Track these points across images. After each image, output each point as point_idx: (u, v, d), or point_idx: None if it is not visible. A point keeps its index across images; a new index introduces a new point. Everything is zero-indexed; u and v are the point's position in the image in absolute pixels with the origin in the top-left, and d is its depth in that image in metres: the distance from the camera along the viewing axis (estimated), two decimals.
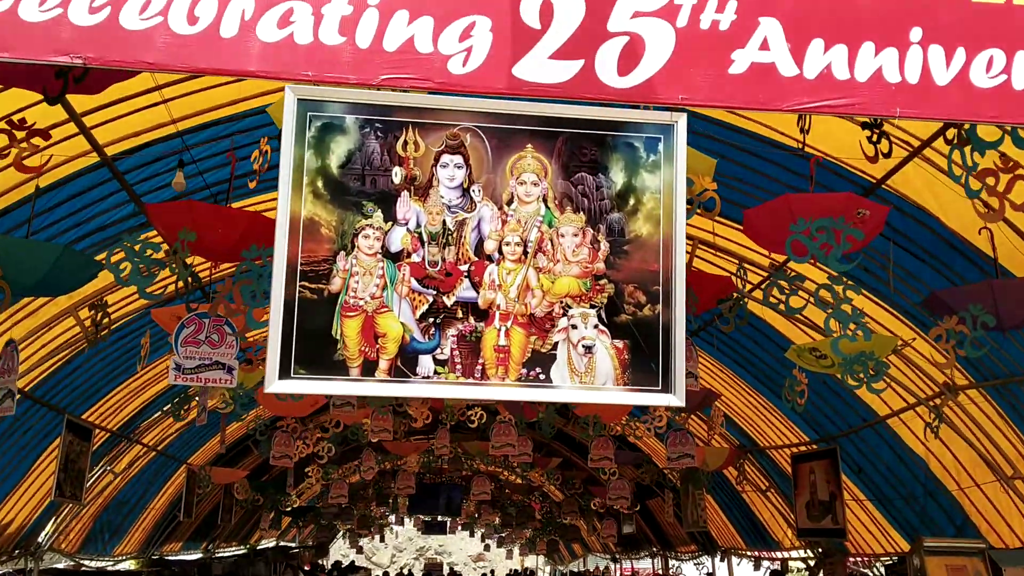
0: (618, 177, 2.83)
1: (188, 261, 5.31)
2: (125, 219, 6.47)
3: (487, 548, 34.38)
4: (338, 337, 2.68)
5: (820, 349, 6.20)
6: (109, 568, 13.20)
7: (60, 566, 11.95)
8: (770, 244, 5.71)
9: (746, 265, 7.46)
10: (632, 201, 2.82)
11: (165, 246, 4.85)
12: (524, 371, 2.73)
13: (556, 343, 2.75)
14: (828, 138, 5.99)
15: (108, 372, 9.20)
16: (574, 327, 2.75)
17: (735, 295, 7.35)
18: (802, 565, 12.30)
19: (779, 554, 13.03)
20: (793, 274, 6.05)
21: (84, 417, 9.29)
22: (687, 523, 13.60)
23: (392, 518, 30.44)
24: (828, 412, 9.37)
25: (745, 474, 11.61)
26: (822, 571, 10.74)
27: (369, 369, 2.69)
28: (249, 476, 15.19)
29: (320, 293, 2.67)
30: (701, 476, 11.96)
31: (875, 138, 5.17)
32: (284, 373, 2.63)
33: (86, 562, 12.26)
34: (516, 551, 34.22)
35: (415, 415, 12.94)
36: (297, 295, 2.65)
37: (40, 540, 10.65)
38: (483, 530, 31.25)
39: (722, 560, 15.12)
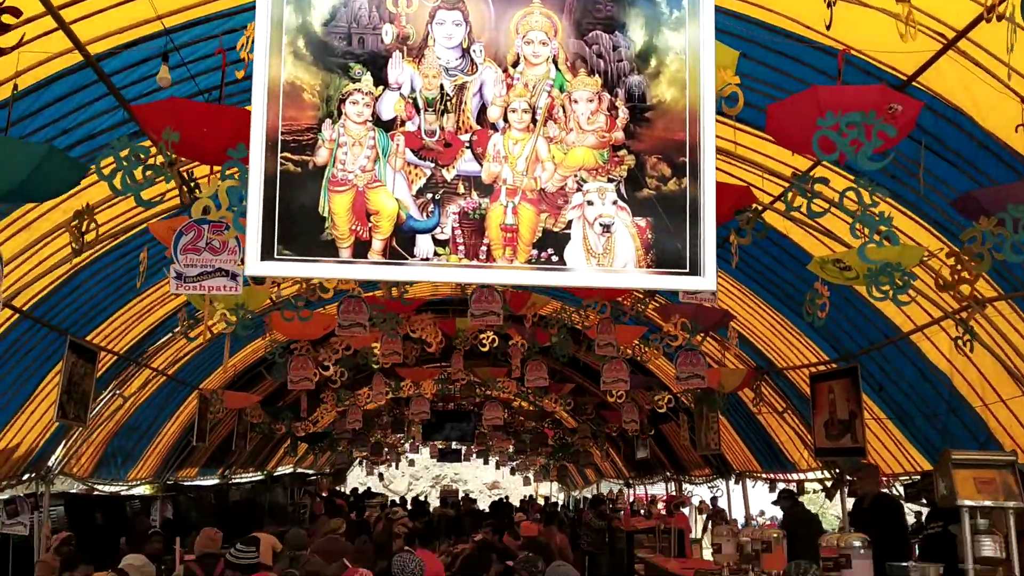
0: (638, 36, 2.51)
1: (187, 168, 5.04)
2: (115, 127, 6.16)
3: (501, 476, 34.75)
4: (326, 214, 2.40)
5: (844, 260, 5.91)
6: (124, 492, 13.24)
7: (73, 490, 11.95)
8: (795, 143, 5.38)
9: (767, 176, 7.14)
10: (654, 63, 2.50)
11: (156, 152, 4.56)
12: (534, 252, 2.45)
13: (570, 221, 2.47)
14: (855, 31, 5.59)
15: (111, 293, 8.99)
16: (590, 203, 2.47)
17: (754, 206, 7.04)
18: (818, 487, 12.14)
19: (795, 476, 12.92)
20: (816, 179, 5.72)
21: (89, 339, 9.12)
22: (700, 446, 13.51)
23: (407, 446, 30.71)
24: (849, 329, 9.10)
25: (762, 396, 11.42)
26: (849, 486, 10.52)
27: (361, 250, 2.42)
28: (262, 402, 15.14)
29: (304, 166, 2.39)
30: (717, 398, 11.78)
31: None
32: (266, 254, 2.37)
33: (99, 486, 12.26)
34: (531, 477, 34.54)
35: (429, 339, 12.78)
36: (279, 168, 2.37)
37: (50, 464, 10.61)
38: (497, 458, 31.50)
39: (737, 483, 15.06)
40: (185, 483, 16.05)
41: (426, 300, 12.66)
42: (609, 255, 2.46)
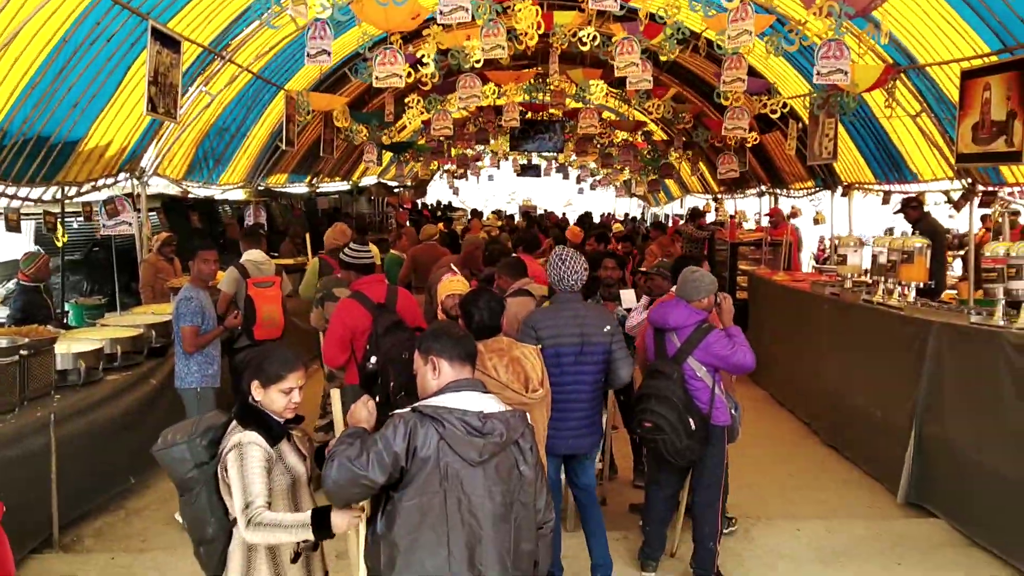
0: None
1: None
2: None
3: (580, 191, 34.43)
4: None
5: None
6: (217, 196, 13.17)
7: (170, 192, 11.88)
8: None
9: None
10: None
11: None
12: None
13: None
14: None
15: None
16: None
17: None
18: (942, 198, 11.34)
19: (914, 187, 12.09)
20: None
21: (170, 27, 8.46)
22: (813, 155, 12.57)
23: (487, 160, 30.34)
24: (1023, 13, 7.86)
25: (895, 96, 10.34)
26: (982, 197, 9.74)
27: None
28: (349, 106, 14.56)
29: None
30: (844, 100, 10.71)
31: None
32: None
33: (193, 189, 12.16)
34: (612, 194, 34.25)
35: (526, 30, 11.76)
36: None
37: (143, 165, 10.40)
38: (579, 172, 31.01)
39: (844, 195, 14.29)
40: (276, 189, 15.99)
41: None
42: None
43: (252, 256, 7.67)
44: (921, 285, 7.38)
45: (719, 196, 22.05)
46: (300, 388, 3.40)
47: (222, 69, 10.61)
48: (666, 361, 5.19)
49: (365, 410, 3.30)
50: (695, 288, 5.27)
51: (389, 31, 10.02)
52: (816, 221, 13.99)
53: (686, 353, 5.13)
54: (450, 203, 32.94)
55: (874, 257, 7.97)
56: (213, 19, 9.53)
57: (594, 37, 11.49)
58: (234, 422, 3.34)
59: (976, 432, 6.15)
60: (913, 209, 9.54)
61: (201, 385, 6.58)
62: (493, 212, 30.17)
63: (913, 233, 8.86)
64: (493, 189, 42.73)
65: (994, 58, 8.56)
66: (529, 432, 3.15)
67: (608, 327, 5.05)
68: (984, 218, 10.54)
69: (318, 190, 18.75)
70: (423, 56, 11.17)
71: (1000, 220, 10.33)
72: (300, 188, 17.74)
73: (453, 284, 5.67)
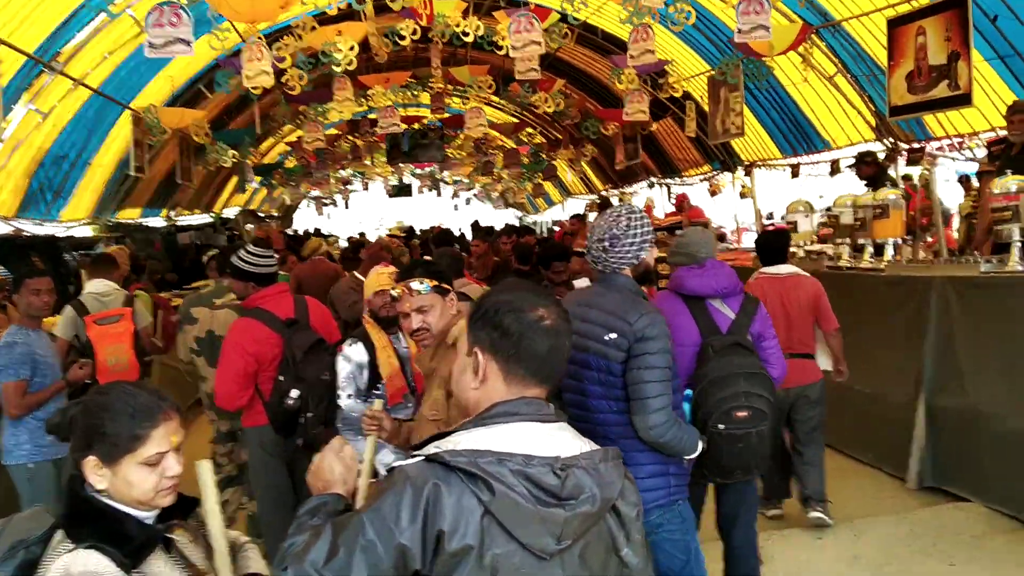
0: None
1: None
2: None
3: (456, 208, 33.38)
4: None
5: None
6: (60, 234, 11.31)
7: None
8: None
9: None
10: None
11: None
12: None
13: None
14: None
15: None
16: None
17: None
18: (850, 163, 10.72)
19: (827, 156, 11.60)
20: None
21: None
22: (715, 134, 11.88)
23: (357, 184, 28.87)
24: None
25: (811, 59, 9.74)
26: (912, 154, 9.23)
27: None
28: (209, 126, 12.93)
29: None
30: (755, 66, 10.02)
31: None
32: None
33: (28, 227, 10.27)
34: (489, 207, 33.41)
35: (403, 31, 10.63)
36: None
37: None
38: (454, 187, 29.94)
39: (746, 174, 13.75)
40: (130, 223, 14.12)
41: None
42: None
43: (93, 288, 6.08)
44: (900, 240, 6.62)
45: (607, 191, 21.39)
46: (177, 450, 2.01)
47: (52, 81, 8.94)
48: (730, 334, 3.85)
49: (339, 464, 1.99)
50: (703, 244, 4.10)
51: (254, 21, 8.63)
52: (743, 195, 13.35)
53: (745, 325, 3.88)
54: (318, 230, 31.17)
55: (834, 219, 7.18)
56: (36, 20, 7.94)
57: (478, 28, 10.45)
58: (58, 534, 1.94)
59: (1007, 397, 5.34)
60: (867, 165, 8.89)
61: (34, 460, 4.88)
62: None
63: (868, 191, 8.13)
64: (361, 215, 41.17)
65: (924, 0, 7.99)
66: (631, 489, 1.89)
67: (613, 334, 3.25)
68: (906, 178, 10.02)
69: (177, 223, 16.86)
70: (287, 58, 9.71)
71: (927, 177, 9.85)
72: (158, 222, 15.85)
73: (382, 278, 4.17)
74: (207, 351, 5.46)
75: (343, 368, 4.12)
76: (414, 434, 3.24)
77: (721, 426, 3.57)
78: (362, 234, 22.77)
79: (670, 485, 3.26)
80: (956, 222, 11.42)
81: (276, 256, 5.14)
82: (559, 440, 1.80)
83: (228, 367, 4.56)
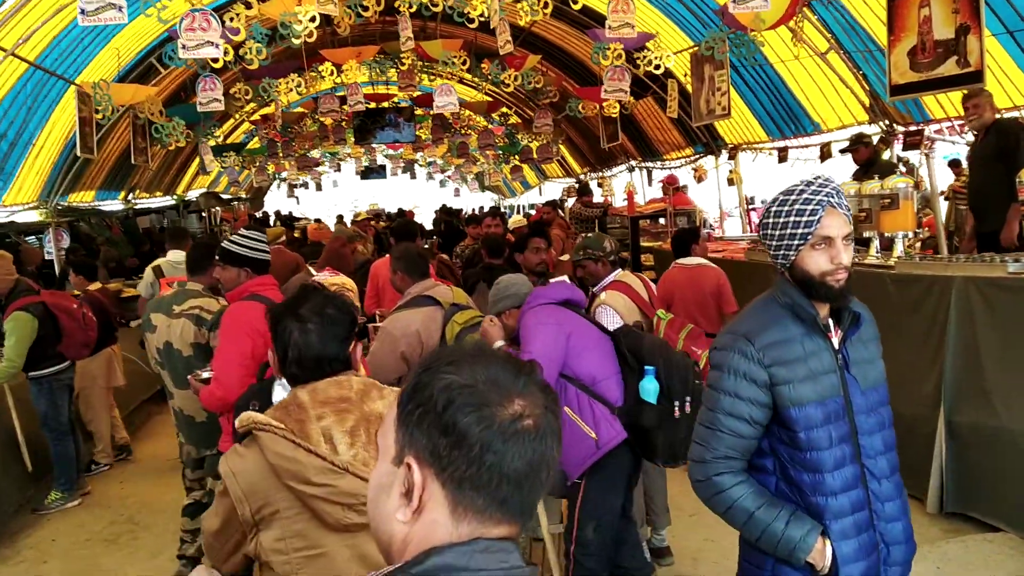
0: None
1: None
2: None
3: (442, 185, 32.62)
4: None
5: None
6: (2, 220, 10.54)
7: None
8: None
9: None
10: None
11: None
12: None
13: None
14: None
15: None
16: None
17: None
18: (842, 147, 10.14)
19: (817, 139, 11.03)
20: None
21: None
22: (699, 115, 11.27)
23: (328, 167, 28.06)
24: None
25: (800, 35, 9.13)
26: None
27: None
28: (165, 105, 12.13)
29: None
30: (744, 40, 9.40)
31: None
32: None
33: None
34: (465, 189, 32.69)
35: (367, 2, 9.97)
36: None
37: None
38: (428, 169, 29.19)
39: (730, 158, 13.17)
40: (82, 207, 13.32)
41: None
42: None
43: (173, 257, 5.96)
44: (911, 234, 6.05)
45: (582, 178, 20.77)
46: None
47: None
48: None
49: None
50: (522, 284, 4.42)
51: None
52: (731, 181, 12.76)
53: None
54: (291, 213, 30.37)
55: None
56: None
57: None
58: None
59: None
60: (865, 147, 8.30)
61: None
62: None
63: (864, 176, 7.53)
64: (335, 197, 40.31)
65: None
66: None
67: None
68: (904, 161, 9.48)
69: (136, 207, 16.05)
70: (240, 29, 8.92)
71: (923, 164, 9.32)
72: (115, 205, 15.04)
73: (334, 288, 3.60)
74: (168, 365, 4.90)
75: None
76: None
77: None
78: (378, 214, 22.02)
79: None
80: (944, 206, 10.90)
81: (268, 244, 4.48)
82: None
83: (232, 350, 3.93)
